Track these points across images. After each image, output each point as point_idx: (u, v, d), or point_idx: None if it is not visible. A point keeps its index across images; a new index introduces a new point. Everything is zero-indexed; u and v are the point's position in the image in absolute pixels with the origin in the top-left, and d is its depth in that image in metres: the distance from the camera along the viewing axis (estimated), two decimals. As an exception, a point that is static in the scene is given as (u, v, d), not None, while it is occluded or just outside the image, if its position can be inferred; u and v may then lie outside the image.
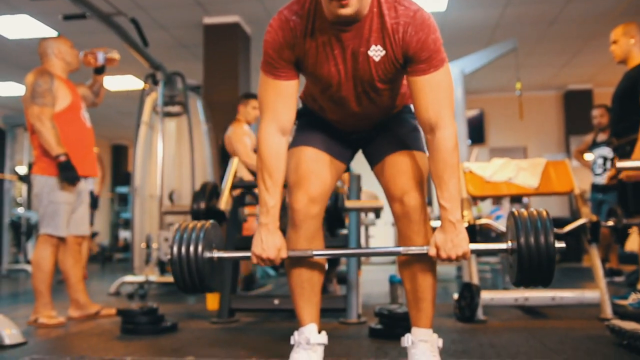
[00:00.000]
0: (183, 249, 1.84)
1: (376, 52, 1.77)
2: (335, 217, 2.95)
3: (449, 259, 1.77)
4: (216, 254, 1.91)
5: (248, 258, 1.90)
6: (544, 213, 1.78)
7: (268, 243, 1.86)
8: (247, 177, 4.23)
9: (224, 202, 3.15)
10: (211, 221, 1.95)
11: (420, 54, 1.72)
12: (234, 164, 3.34)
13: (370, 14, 1.74)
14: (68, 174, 3.26)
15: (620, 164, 2.78)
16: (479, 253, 1.90)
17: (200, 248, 1.84)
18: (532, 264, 1.72)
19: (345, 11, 1.64)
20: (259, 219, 1.92)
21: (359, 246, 3.26)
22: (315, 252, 1.88)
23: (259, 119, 1.91)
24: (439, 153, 1.77)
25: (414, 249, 1.84)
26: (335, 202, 2.88)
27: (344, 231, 3.59)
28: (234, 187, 3.32)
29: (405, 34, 1.72)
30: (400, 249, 1.85)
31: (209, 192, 3.20)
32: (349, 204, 3.14)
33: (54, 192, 3.28)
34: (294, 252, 1.90)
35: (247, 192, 3.51)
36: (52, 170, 3.29)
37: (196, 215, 3.17)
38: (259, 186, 1.90)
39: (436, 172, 1.79)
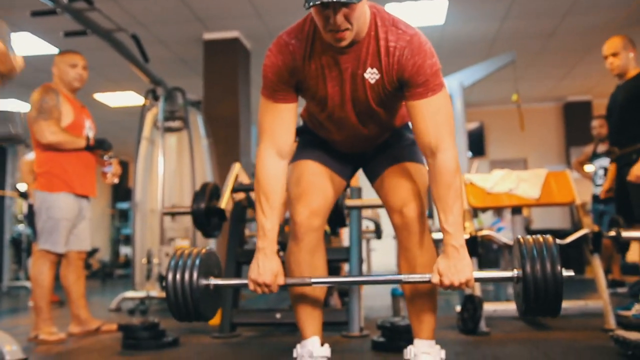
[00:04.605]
0: (178, 276, 1.78)
1: (372, 75, 1.77)
2: (336, 215, 2.92)
3: (452, 287, 1.73)
4: (212, 281, 1.85)
5: (245, 285, 1.86)
6: (550, 240, 1.71)
7: (265, 268, 1.81)
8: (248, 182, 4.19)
9: (225, 202, 3.14)
10: (208, 247, 1.90)
11: (417, 78, 1.72)
12: (235, 168, 3.34)
13: (368, 37, 1.75)
14: (103, 146, 3.47)
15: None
16: (482, 281, 1.84)
17: (195, 275, 1.78)
18: (538, 294, 1.66)
19: (341, 43, 1.67)
20: (256, 243, 1.88)
21: (360, 258, 3.24)
22: (313, 280, 1.83)
23: (258, 141, 1.90)
24: (441, 176, 1.75)
25: (416, 277, 1.80)
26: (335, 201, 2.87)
27: (346, 244, 3.58)
28: (235, 190, 3.31)
29: (402, 57, 1.72)
30: (402, 276, 1.81)
31: (210, 192, 3.18)
32: (350, 202, 3.12)
33: (53, 208, 3.28)
34: (291, 279, 1.87)
35: (247, 204, 3.50)
36: (51, 187, 3.30)
37: (197, 214, 3.15)
38: (256, 209, 1.87)
39: (439, 196, 1.76)
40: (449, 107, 1.79)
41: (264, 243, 1.83)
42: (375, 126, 1.96)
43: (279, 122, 1.84)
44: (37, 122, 3.26)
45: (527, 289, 1.67)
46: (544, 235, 1.75)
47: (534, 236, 1.75)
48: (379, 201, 3.03)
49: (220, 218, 3.20)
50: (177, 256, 1.84)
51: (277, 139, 1.84)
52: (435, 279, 1.74)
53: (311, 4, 1.55)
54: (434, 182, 1.78)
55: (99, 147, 3.47)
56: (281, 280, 1.83)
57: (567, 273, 1.68)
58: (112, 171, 3.57)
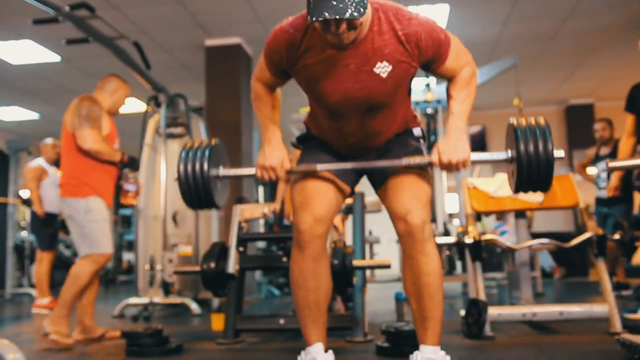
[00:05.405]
0: (189, 167, 1.95)
1: (383, 69, 1.80)
2: (343, 278, 2.84)
3: (449, 165, 1.84)
4: (222, 171, 2.03)
5: (253, 175, 2.00)
6: (542, 122, 1.84)
7: (271, 154, 1.98)
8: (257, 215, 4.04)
9: (232, 265, 3.06)
10: (216, 140, 2.07)
11: (440, 50, 1.86)
12: (237, 214, 3.29)
13: (371, 33, 1.76)
14: (134, 165, 3.55)
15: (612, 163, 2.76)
16: (478, 162, 1.97)
17: (205, 165, 1.96)
18: (531, 172, 1.80)
19: (345, 41, 1.71)
20: (260, 139, 2.05)
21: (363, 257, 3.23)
22: (319, 166, 1.95)
23: (254, 72, 2.08)
24: (460, 80, 1.94)
25: (416, 159, 1.91)
26: (342, 262, 2.80)
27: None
28: (240, 241, 3.22)
29: (420, 41, 1.80)
30: (403, 160, 1.92)
31: (218, 252, 3.12)
32: (357, 263, 2.97)
33: (91, 211, 3.32)
34: (298, 167, 1.99)
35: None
36: (81, 192, 3.33)
37: (206, 276, 3.05)
38: (256, 114, 2.07)
39: (454, 92, 1.94)
40: (457, 40, 1.95)
41: (268, 134, 2.03)
42: (378, 121, 1.96)
43: (267, 79, 2.04)
44: (82, 128, 3.31)
45: (520, 167, 1.81)
46: (536, 118, 1.87)
47: (527, 119, 1.87)
48: (384, 262, 2.99)
49: (229, 279, 3.14)
50: (187, 148, 2.01)
51: (268, 82, 2.05)
52: (435, 158, 1.88)
53: (314, 19, 1.57)
54: (451, 85, 1.96)
55: (130, 165, 3.52)
56: (287, 165, 1.98)
57: (558, 153, 1.81)
58: (136, 190, 3.61)
